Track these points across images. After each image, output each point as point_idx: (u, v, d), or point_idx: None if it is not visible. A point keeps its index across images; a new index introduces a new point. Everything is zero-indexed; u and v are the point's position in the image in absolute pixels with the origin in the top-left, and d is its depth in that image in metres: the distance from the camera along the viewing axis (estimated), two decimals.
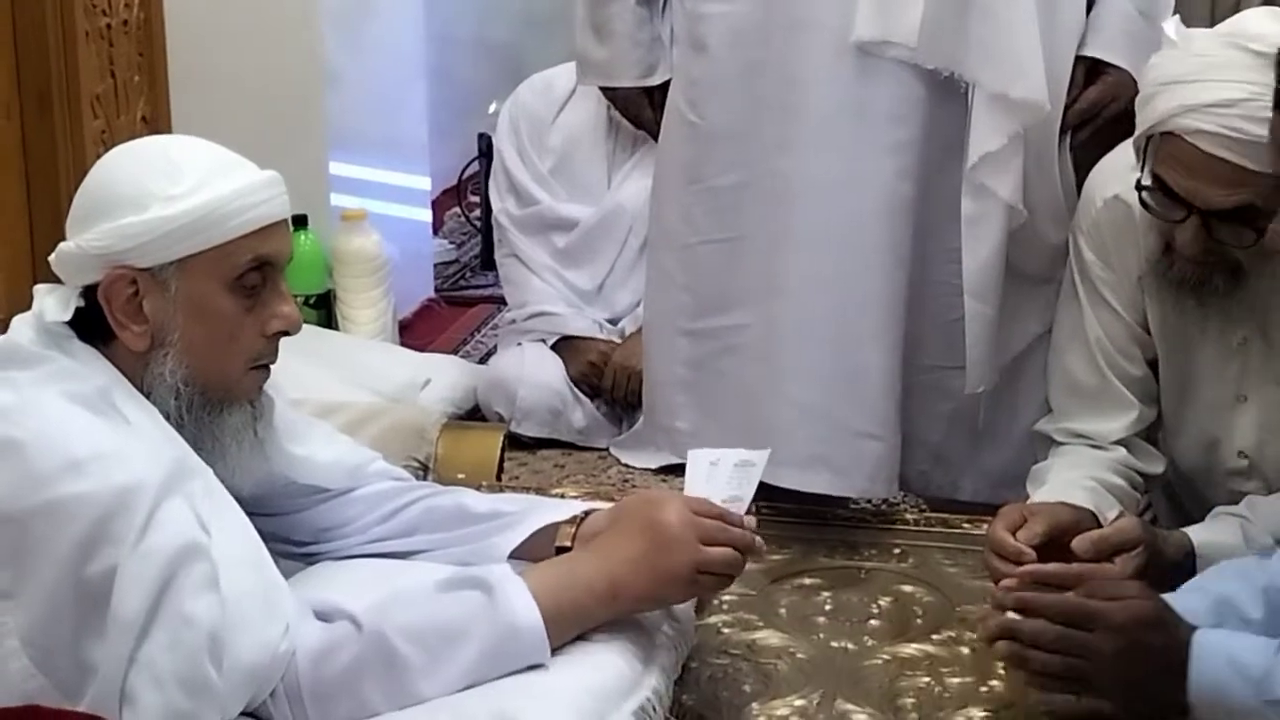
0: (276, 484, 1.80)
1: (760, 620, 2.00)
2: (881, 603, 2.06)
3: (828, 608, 2.05)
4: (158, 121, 3.22)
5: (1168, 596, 1.77)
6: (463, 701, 1.58)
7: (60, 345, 1.62)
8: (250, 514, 1.66)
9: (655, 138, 2.59)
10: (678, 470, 1.96)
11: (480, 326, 4.31)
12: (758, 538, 1.76)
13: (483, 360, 3.90)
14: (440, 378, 3.51)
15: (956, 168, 2.31)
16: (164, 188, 1.61)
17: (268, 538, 1.68)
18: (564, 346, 3.62)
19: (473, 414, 3.55)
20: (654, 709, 1.67)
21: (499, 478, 2.64)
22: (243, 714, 1.54)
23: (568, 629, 1.66)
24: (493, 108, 4.73)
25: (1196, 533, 2.03)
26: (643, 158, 3.52)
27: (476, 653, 1.60)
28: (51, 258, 1.65)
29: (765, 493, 2.22)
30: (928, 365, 2.42)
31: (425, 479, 2.46)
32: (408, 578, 1.75)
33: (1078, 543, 1.93)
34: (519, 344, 3.65)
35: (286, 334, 1.69)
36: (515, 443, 3.38)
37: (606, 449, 3.52)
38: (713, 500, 1.77)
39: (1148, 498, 2.33)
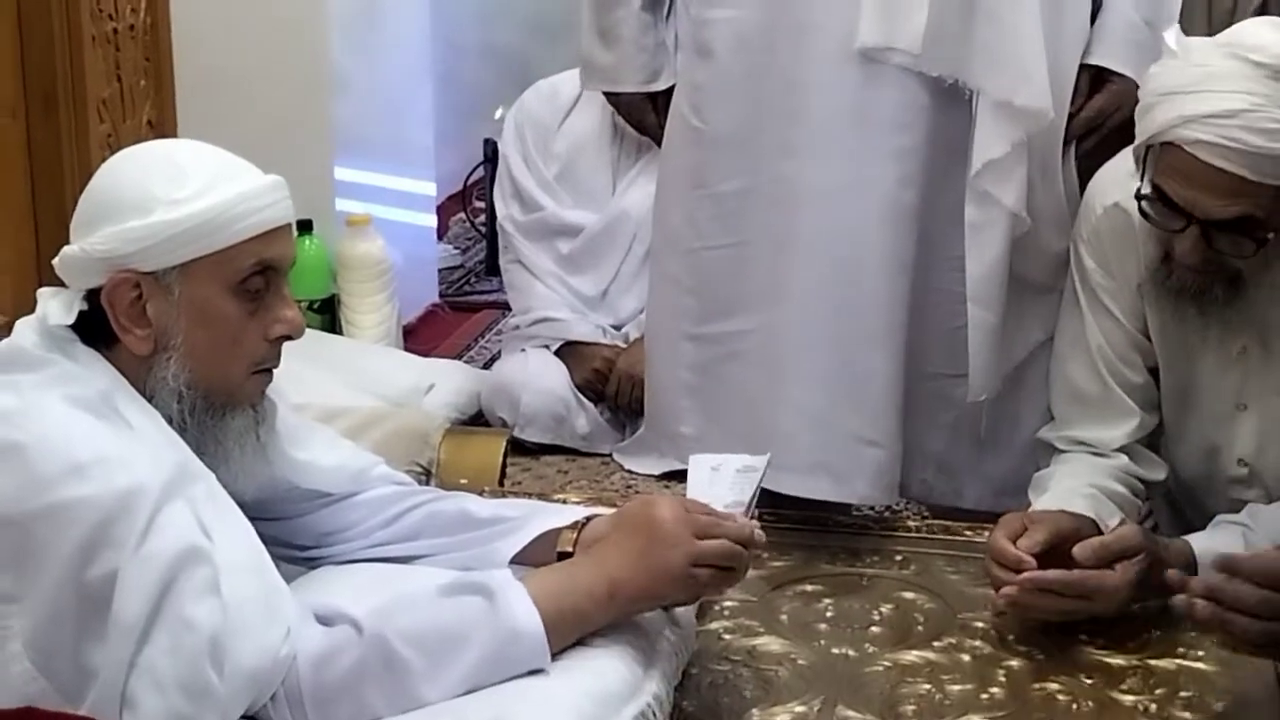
0: (278, 488, 1.81)
1: (761, 626, 2.00)
2: (883, 609, 2.06)
3: (829, 614, 2.05)
4: (164, 126, 3.23)
5: None
6: (463, 706, 1.58)
7: (63, 349, 1.62)
8: (252, 518, 1.66)
9: (659, 143, 2.60)
10: (681, 476, 1.97)
11: (484, 332, 4.32)
12: (757, 530, 1.76)
13: (487, 366, 3.90)
14: (444, 383, 3.51)
15: (960, 175, 2.31)
16: (168, 192, 1.61)
17: (269, 542, 1.68)
18: (568, 352, 3.62)
19: (476, 419, 3.55)
20: (654, 714, 1.67)
21: (501, 483, 2.64)
22: (243, 717, 1.54)
23: (568, 634, 1.66)
24: (499, 113, 4.73)
25: (1198, 541, 2.03)
26: (647, 164, 3.52)
27: (477, 658, 1.60)
28: (55, 261, 1.66)
29: (768, 499, 2.23)
30: (930, 373, 2.41)
31: (428, 484, 2.46)
32: (409, 582, 1.75)
33: (1079, 549, 1.93)
34: (523, 350, 3.65)
35: (289, 338, 1.70)
36: (518, 448, 3.39)
37: (610, 455, 3.52)
38: (714, 506, 1.77)
39: (1149, 505, 2.33)
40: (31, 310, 1.67)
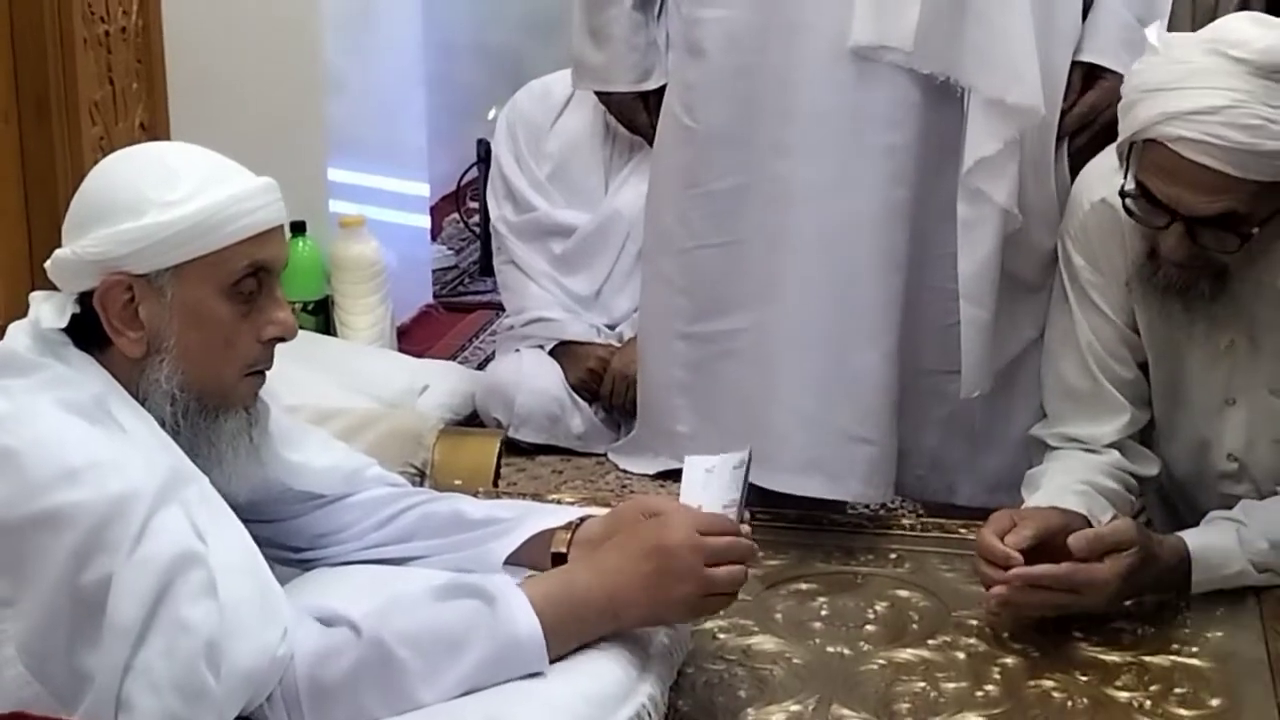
0: (272, 490, 1.81)
1: (756, 625, 2.00)
2: (877, 608, 2.06)
3: (824, 613, 2.05)
4: (156, 128, 3.22)
5: None
6: (459, 707, 1.58)
7: (56, 352, 1.62)
8: (246, 521, 1.66)
9: (650, 143, 2.60)
10: (675, 475, 1.96)
11: (478, 332, 4.32)
12: (745, 529, 1.76)
13: (481, 366, 3.91)
14: (438, 384, 3.51)
15: (952, 172, 2.31)
16: (160, 194, 1.61)
17: (263, 544, 1.67)
18: (562, 352, 3.62)
19: (471, 420, 3.55)
20: (649, 715, 1.67)
21: (496, 484, 2.64)
22: (239, 718, 1.54)
23: (567, 642, 1.65)
24: (492, 114, 4.74)
25: (1192, 537, 2.04)
26: (639, 164, 3.52)
27: (476, 661, 1.60)
28: (47, 264, 1.66)
29: (762, 498, 2.23)
30: (923, 370, 2.41)
31: (422, 485, 2.46)
32: (405, 584, 1.75)
33: (1073, 540, 1.92)
34: (517, 350, 3.66)
35: (282, 340, 1.70)
36: (513, 448, 3.39)
37: (604, 455, 3.52)
38: (709, 508, 1.77)
39: (1142, 501, 2.33)
40: (24, 314, 1.67)
